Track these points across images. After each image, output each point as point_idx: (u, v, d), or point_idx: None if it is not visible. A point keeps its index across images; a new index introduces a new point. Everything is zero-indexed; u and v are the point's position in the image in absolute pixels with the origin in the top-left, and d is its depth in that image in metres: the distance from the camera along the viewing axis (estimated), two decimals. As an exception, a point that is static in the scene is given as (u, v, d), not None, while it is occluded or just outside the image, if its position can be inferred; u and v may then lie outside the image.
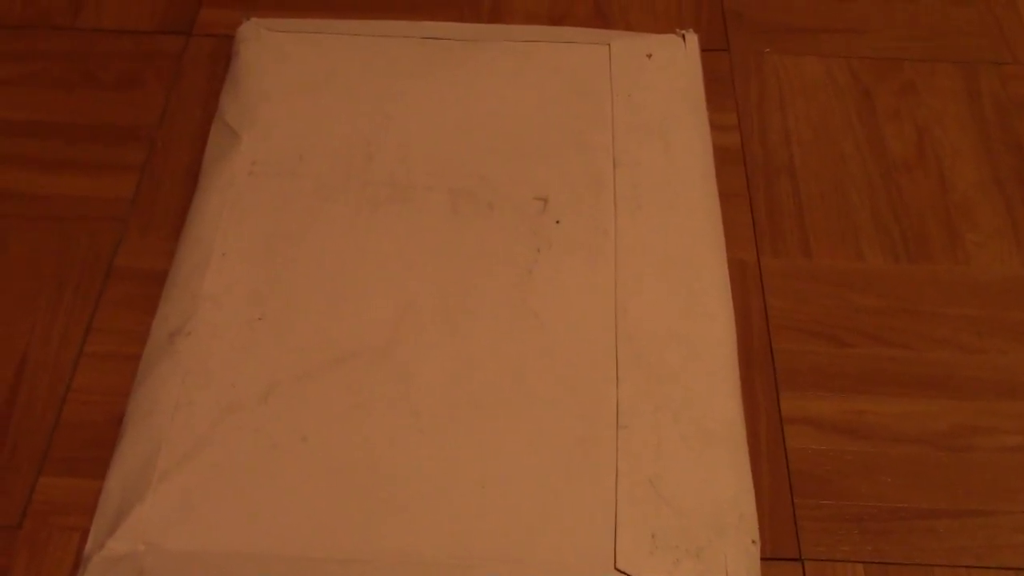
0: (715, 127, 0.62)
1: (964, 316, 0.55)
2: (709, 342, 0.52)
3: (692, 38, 0.65)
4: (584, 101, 0.61)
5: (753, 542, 0.46)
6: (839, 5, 0.70)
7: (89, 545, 0.45)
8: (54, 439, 0.49)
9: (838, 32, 0.68)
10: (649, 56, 0.64)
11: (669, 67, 0.63)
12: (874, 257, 0.57)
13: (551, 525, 0.45)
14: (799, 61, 0.67)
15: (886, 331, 0.54)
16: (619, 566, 0.44)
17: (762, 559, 0.45)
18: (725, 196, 0.59)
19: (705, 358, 0.51)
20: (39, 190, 0.58)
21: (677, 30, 0.65)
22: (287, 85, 0.62)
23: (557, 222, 0.56)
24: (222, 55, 0.65)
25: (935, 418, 0.51)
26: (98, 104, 0.63)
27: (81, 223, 0.57)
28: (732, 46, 0.67)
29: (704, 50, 0.65)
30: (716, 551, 0.45)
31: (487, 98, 0.62)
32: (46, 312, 0.54)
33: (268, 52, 0.63)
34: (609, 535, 0.45)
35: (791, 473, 0.49)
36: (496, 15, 0.69)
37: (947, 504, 0.48)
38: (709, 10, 0.69)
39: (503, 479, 0.47)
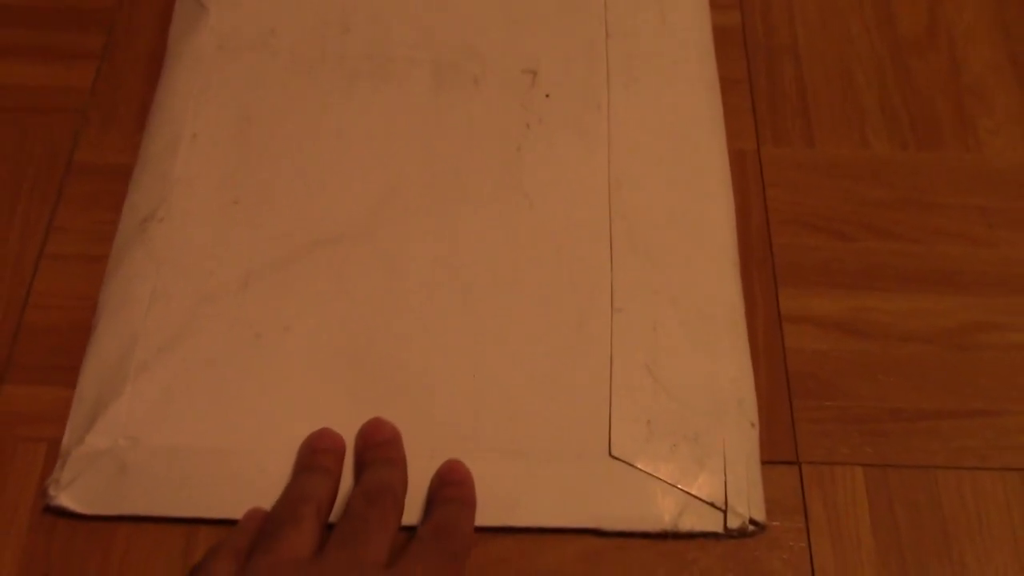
0: (714, 5, 0.58)
1: (975, 207, 0.52)
2: (707, 223, 0.50)
3: None
4: None
5: (752, 425, 0.45)
6: None
7: (66, 440, 0.44)
8: (16, 346, 0.47)
9: (847, -100, 0.64)
10: None
11: None
12: (880, 145, 0.54)
13: (543, 413, 0.44)
14: (805, -68, 0.62)
15: (892, 224, 0.51)
16: (614, 452, 0.43)
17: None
18: (724, 81, 0.55)
19: (703, 240, 0.49)
20: (-10, 79, 0.55)
21: None
22: None
23: (547, 96, 0.53)
24: (184, -70, 0.61)
25: (942, 315, 0.49)
26: (51, -15, 0.58)
27: (37, 115, 0.54)
28: (733, -84, 0.63)
29: (703, -79, 0.61)
30: (714, 435, 0.44)
31: None
32: (3, 212, 0.51)
33: None
34: (604, 422, 0.44)
35: (789, 374, 0.47)
36: None
37: (951, 404, 0.46)
38: None
39: (494, 366, 0.45)
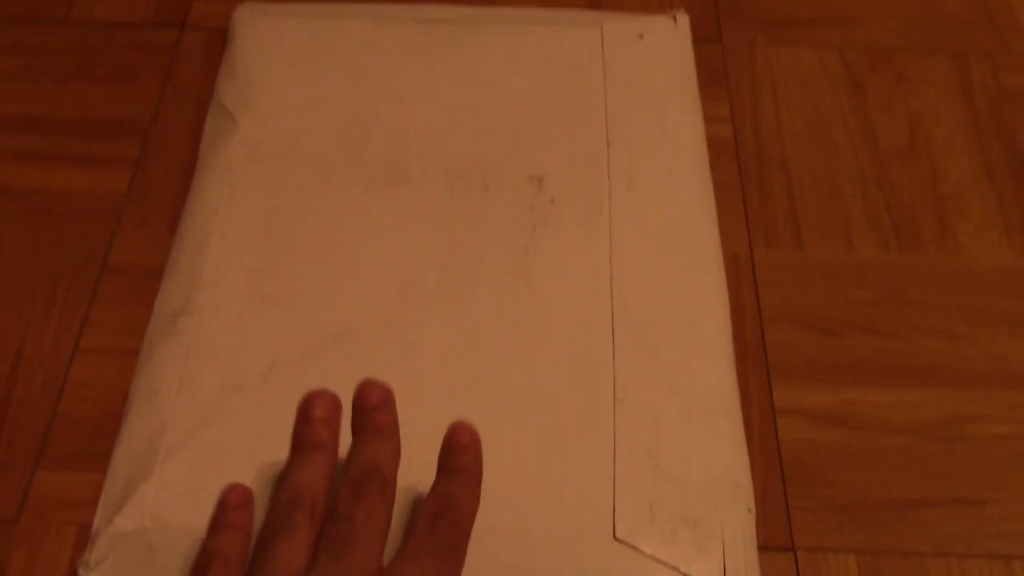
0: (708, 118, 0.62)
1: (955, 306, 0.55)
2: (703, 316, 0.52)
3: (683, 19, 0.66)
4: (577, 82, 0.62)
5: (749, 510, 0.47)
6: (831, -4, 0.70)
7: (96, 522, 0.46)
8: (50, 434, 0.49)
9: (830, 23, 0.68)
10: (641, 37, 0.64)
11: (661, 47, 0.64)
12: (866, 248, 0.57)
13: (551, 497, 0.46)
14: (792, 52, 0.67)
15: (878, 321, 0.54)
16: (618, 536, 0.45)
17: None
18: (718, 188, 0.59)
19: (699, 331, 0.52)
20: (33, 185, 0.58)
21: (668, 11, 0.66)
22: (283, 68, 0.62)
23: (552, 201, 0.56)
24: (216, 48, 0.65)
25: (926, 408, 0.51)
26: (92, 98, 0.63)
27: (75, 218, 0.57)
28: (724, 36, 0.68)
29: (696, 41, 0.65)
30: (713, 520, 0.46)
31: (482, 80, 0.62)
32: (41, 307, 0.54)
33: (264, 35, 0.64)
34: (608, 506, 0.46)
35: (783, 463, 0.49)
36: (491, 3, 0.69)
37: (937, 493, 0.49)
38: (701, 1, 0.69)
39: (503, 453, 0.47)
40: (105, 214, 0.57)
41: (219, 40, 0.66)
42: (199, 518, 0.45)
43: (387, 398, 0.43)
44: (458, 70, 0.62)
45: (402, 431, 0.48)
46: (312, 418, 0.43)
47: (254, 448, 0.48)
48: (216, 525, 0.43)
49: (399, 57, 0.63)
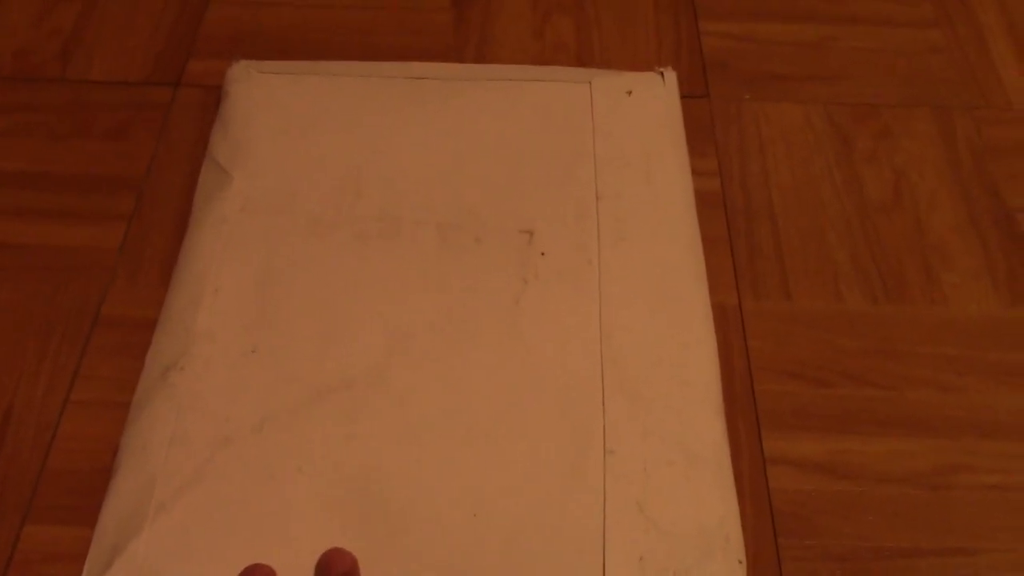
0: (696, 172, 0.63)
1: (943, 356, 0.55)
2: (692, 367, 0.53)
3: (671, 75, 0.67)
4: (567, 137, 0.63)
5: (740, 562, 0.46)
6: (817, 53, 0.71)
7: None
8: (39, 487, 0.49)
9: (816, 79, 0.70)
10: (629, 93, 0.65)
11: (649, 103, 0.65)
12: (853, 299, 0.58)
13: (542, 549, 0.46)
14: (778, 108, 0.68)
15: (866, 371, 0.55)
16: None
17: (746, 600, 0.46)
18: (707, 240, 0.59)
19: (689, 383, 0.52)
20: (28, 240, 0.59)
21: (656, 68, 0.67)
22: (276, 124, 0.63)
23: (543, 254, 0.57)
24: (210, 105, 0.66)
25: (916, 457, 0.51)
26: (87, 155, 0.64)
27: (69, 272, 0.58)
28: (712, 93, 0.69)
29: (684, 96, 0.67)
30: (703, 572, 0.46)
31: (473, 135, 0.63)
32: (33, 360, 0.54)
33: (258, 92, 0.65)
34: (598, 558, 0.46)
35: (774, 513, 0.49)
36: (480, 61, 0.70)
37: (928, 543, 0.48)
38: (689, 58, 0.71)
39: (494, 506, 0.48)
40: (99, 268, 0.58)
41: (213, 97, 0.67)
42: (191, 574, 0.45)
43: (352, 566, 0.44)
44: (449, 125, 0.63)
45: (394, 489, 0.48)
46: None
47: (246, 503, 0.47)
48: None
49: (391, 113, 0.64)
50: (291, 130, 0.63)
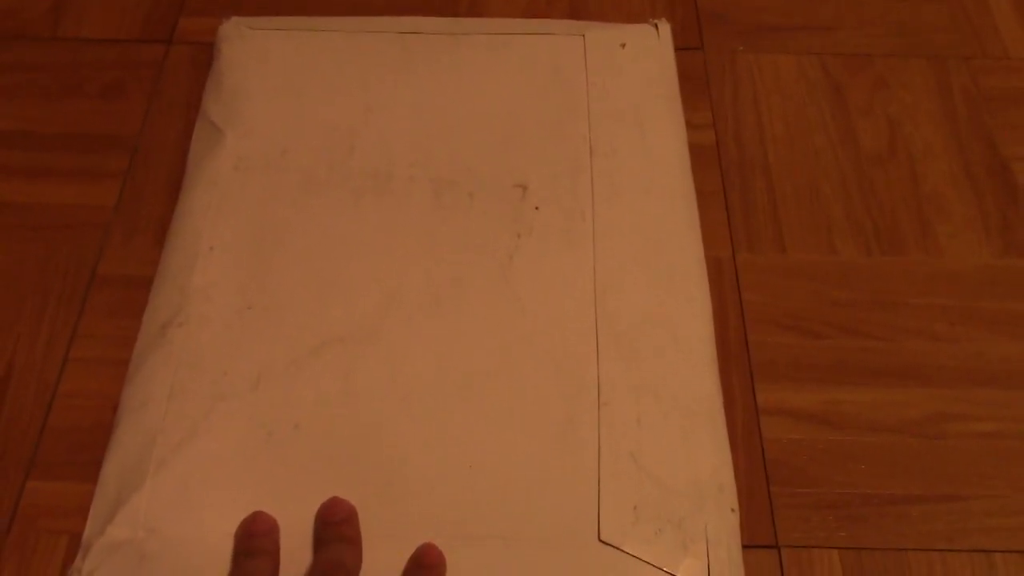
0: (690, 125, 0.63)
1: (936, 306, 0.56)
2: (686, 322, 0.53)
3: (665, 27, 0.66)
4: (560, 91, 0.63)
5: (732, 510, 0.47)
6: (810, 4, 0.71)
7: (88, 532, 0.46)
8: (41, 444, 0.50)
9: (810, 30, 0.69)
10: (623, 46, 0.65)
11: (643, 56, 0.65)
12: (847, 251, 0.58)
13: (537, 501, 0.47)
14: (772, 59, 0.68)
15: (859, 323, 0.55)
16: (603, 537, 0.46)
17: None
18: (701, 194, 0.60)
19: (682, 338, 0.52)
20: (22, 199, 0.59)
21: (650, 20, 0.67)
22: (269, 82, 0.63)
23: (536, 208, 0.57)
24: (202, 62, 0.66)
25: (908, 406, 0.52)
26: (80, 113, 0.63)
27: (64, 231, 0.58)
28: (706, 45, 0.68)
29: (678, 49, 0.66)
30: (697, 520, 0.46)
31: (466, 90, 0.63)
32: (31, 319, 0.54)
33: (250, 50, 0.64)
34: (593, 508, 0.47)
35: (767, 462, 0.50)
36: (473, 14, 0.70)
37: (920, 490, 0.49)
38: (683, 10, 0.70)
39: (490, 458, 0.48)
40: (94, 227, 0.58)
41: (205, 55, 0.66)
42: (191, 528, 0.46)
43: (351, 513, 0.46)
44: (442, 80, 0.63)
45: (389, 443, 0.48)
46: (254, 532, 0.45)
47: (244, 457, 0.48)
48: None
49: (383, 68, 0.64)
50: (283, 87, 0.62)
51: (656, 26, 0.66)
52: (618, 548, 0.46)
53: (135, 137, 0.62)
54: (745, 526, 0.48)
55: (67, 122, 0.63)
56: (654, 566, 0.45)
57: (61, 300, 0.55)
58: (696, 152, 0.62)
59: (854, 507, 0.49)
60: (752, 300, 0.56)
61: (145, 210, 0.59)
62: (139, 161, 0.61)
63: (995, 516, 0.48)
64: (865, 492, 0.49)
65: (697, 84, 0.66)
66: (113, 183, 0.60)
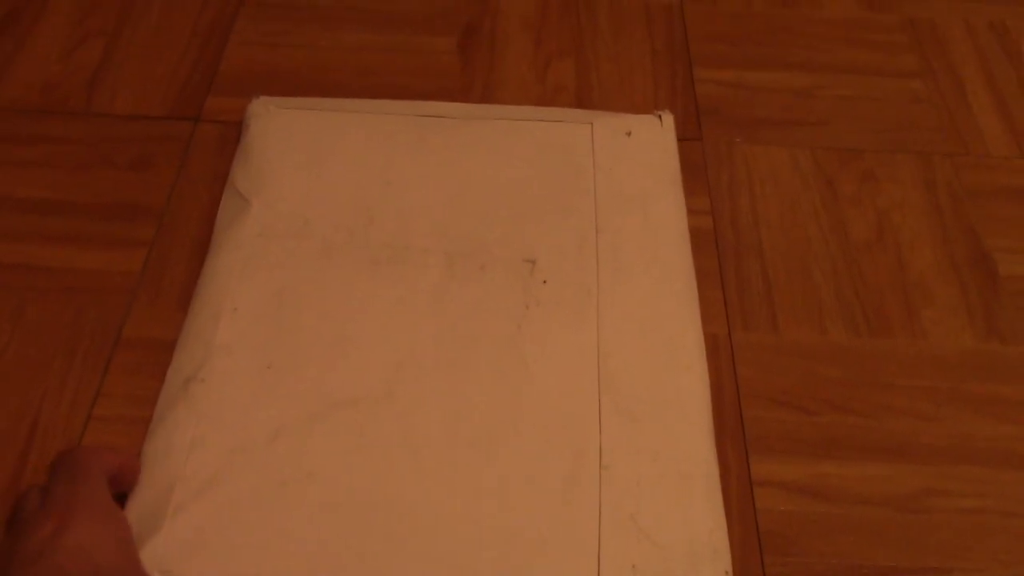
0: (689, 211, 0.66)
1: (921, 387, 0.58)
2: (684, 391, 0.56)
3: (668, 118, 0.71)
4: (569, 173, 0.66)
5: (726, 573, 0.49)
6: (804, 101, 0.75)
7: None
8: (64, 496, 0.52)
9: (803, 125, 0.73)
10: (628, 134, 0.69)
11: (647, 144, 0.69)
12: (837, 332, 0.61)
13: (539, 557, 0.49)
14: (767, 151, 0.71)
15: (848, 400, 0.57)
16: None
17: (733, 613, 0.48)
18: (699, 274, 0.62)
19: (681, 405, 0.55)
20: (54, 264, 0.62)
21: (654, 111, 0.71)
22: (294, 156, 0.66)
23: (544, 282, 0.60)
24: (228, 140, 0.70)
25: (895, 481, 0.54)
26: (111, 184, 0.67)
27: (93, 295, 0.61)
28: (704, 136, 0.72)
29: (679, 139, 0.70)
30: None
31: (480, 169, 0.66)
32: (57, 378, 0.57)
33: (276, 126, 0.68)
34: (593, 566, 0.49)
35: (760, 532, 0.52)
36: (486, 102, 0.73)
37: (906, 562, 0.51)
38: (683, 103, 0.74)
39: (494, 514, 0.50)
40: (121, 291, 0.61)
41: (231, 132, 0.70)
42: (206, 571, 0.48)
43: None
44: (457, 159, 0.67)
45: (399, 498, 0.51)
46: None
47: (259, 507, 0.50)
48: None
49: (402, 147, 0.67)
50: (307, 161, 0.66)
51: (660, 117, 0.70)
52: (617, 607, 0.47)
53: (162, 208, 0.65)
54: (738, 592, 0.50)
55: (98, 192, 0.66)
56: (651, 626, 0.47)
57: (87, 360, 0.58)
58: (694, 235, 0.65)
59: (843, 577, 0.51)
60: (747, 376, 0.58)
61: (169, 276, 0.62)
62: (165, 230, 0.64)
63: (978, 589, 0.50)
64: (854, 563, 0.51)
65: (696, 172, 0.69)
66: (140, 250, 0.63)
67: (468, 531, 0.50)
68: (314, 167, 0.66)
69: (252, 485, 0.51)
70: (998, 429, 0.57)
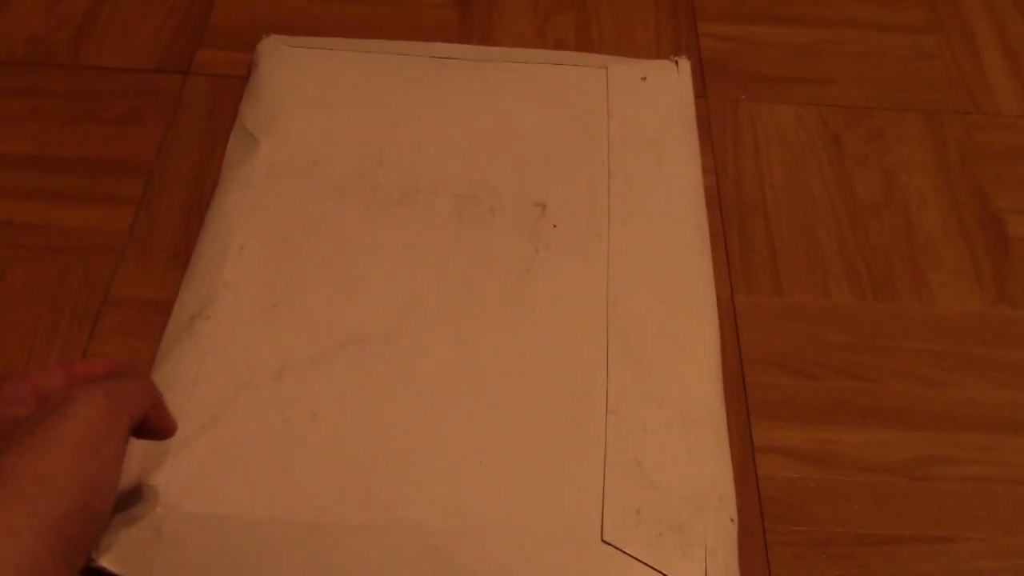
0: (692, 169, 0.64)
1: (927, 351, 0.57)
2: (693, 338, 0.55)
3: (684, 64, 0.69)
4: (582, 118, 0.65)
5: (731, 520, 0.49)
6: (810, 57, 0.73)
7: None
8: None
9: (809, 82, 0.72)
10: (644, 79, 0.68)
11: (662, 89, 0.67)
12: (842, 295, 0.60)
13: (543, 499, 0.49)
14: (772, 108, 0.70)
15: (852, 365, 0.56)
16: (605, 538, 0.47)
17: (733, 581, 0.47)
18: (701, 235, 0.61)
19: (689, 352, 0.54)
20: (40, 221, 0.60)
21: (671, 56, 0.70)
22: (304, 95, 0.65)
23: (554, 226, 0.59)
24: (218, 93, 0.68)
25: (899, 448, 0.53)
26: (98, 139, 0.65)
27: (79, 253, 0.59)
28: (709, 93, 0.70)
29: (682, 96, 0.68)
30: (697, 526, 0.48)
31: (492, 112, 0.65)
32: (44, 338, 0.55)
33: (286, 65, 0.67)
34: (597, 509, 0.48)
35: (762, 499, 0.51)
36: (486, 44, 0.72)
37: (910, 530, 0.50)
38: (687, 58, 0.72)
39: (500, 456, 0.50)
40: (109, 249, 0.59)
41: (221, 85, 0.68)
42: (207, 506, 0.48)
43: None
44: (470, 101, 0.66)
45: (404, 436, 0.50)
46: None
47: (261, 442, 0.50)
48: None
49: (414, 89, 0.66)
50: (317, 101, 0.65)
51: (676, 63, 0.69)
52: (620, 549, 0.47)
53: (151, 163, 0.64)
54: (740, 561, 0.48)
55: (85, 147, 0.64)
56: (653, 568, 0.46)
57: (74, 320, 0.56)
58: (697, 195, 0.63)
59: (846, 546, 0.50)
60: (749, 340, 0.57)
61: (158, 235, 0.60)
62: (154, 187, 0.63)
63: (983, 558, 0.50)
64: (857, 531, 0.50)
65: (700, 130, 0.68)
66: (128, 207, 0.62)
67: (471, 470, 0.49)
68: (324, 107, 0.65)
69: (256, 422, 0.51)
70: (1006, 395, 0.55)
